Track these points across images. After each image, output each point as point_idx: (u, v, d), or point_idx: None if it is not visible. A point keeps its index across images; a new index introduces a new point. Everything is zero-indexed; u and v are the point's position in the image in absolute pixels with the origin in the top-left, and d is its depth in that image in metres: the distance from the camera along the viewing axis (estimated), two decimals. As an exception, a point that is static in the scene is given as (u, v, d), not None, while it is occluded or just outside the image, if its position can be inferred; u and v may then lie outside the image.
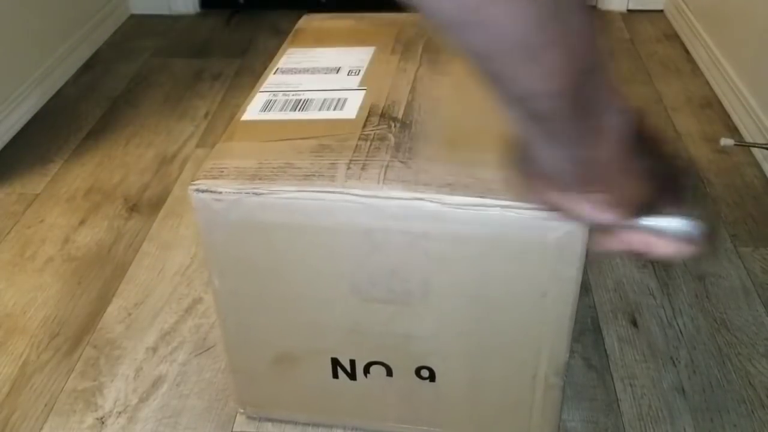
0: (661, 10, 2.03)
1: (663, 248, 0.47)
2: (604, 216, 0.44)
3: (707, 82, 1.66)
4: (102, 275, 1.17)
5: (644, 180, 0.44)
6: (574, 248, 0.67)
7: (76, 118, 1.62)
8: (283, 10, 2.09)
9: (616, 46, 1.85)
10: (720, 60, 1.60)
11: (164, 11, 2.12)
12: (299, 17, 1.04)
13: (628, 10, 2.04)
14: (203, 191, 0.71)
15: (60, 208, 1.32)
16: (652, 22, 1.97)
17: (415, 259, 0.71)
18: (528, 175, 0.45)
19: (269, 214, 0.71)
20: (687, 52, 1.80)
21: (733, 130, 1.48)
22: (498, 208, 0.67)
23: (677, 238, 0.46)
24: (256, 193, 0.70)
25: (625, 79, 1.69)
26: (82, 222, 1.29)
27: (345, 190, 0.69)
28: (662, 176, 0.45)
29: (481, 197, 0.67)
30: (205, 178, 0.72)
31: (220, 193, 0.71)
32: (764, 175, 1.35)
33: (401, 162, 0.71)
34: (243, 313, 0.81)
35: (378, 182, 0.69)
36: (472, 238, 0.69)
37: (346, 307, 0.77)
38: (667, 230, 0.46)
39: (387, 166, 0.71)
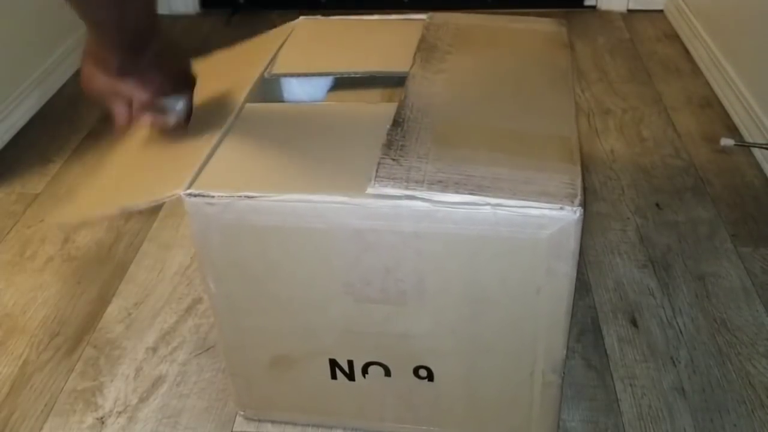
0: (661, 10, 2.03)
1: (161, 121, 0.75)
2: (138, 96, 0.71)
3: (707, 82, 1.65)
4: (102, 275, 1.17)
5: (159, 80, 0.72)
6: (568, 244, 0.67)
7: (76, 117, 1.62)
8: (283, 10, 2.09)
9: (616, 46, 1.85)
10: (720, 60, 1.60)
11: (164, 11, 2.12)
12: (299, 17, 1.04)
13: (628, 10, 2.04)
14: (195, 195, 0.71)
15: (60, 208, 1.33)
16: (652, 22, 1.97)
17: (407, 258, 0.71)
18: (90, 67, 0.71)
19: (261, 217, 0.71)
20: (687, 52, 1.80)
21: (733, 130, 1.48)
22: (489, 207, 0.66)
23: (167, 110, 0.75)
24: (248, 197, 0.70)
25: (625, 79, 1.69)
26: (81, 221, 1.29)
27: (336, 190, 0.69)
28: (169, 79, 0.73)
29: (472, 195, 0.67)
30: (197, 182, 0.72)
31: (213, 197, 0.71)
32: (764, 175, 1.35)
33: (393, 160, 0.71)
34: (239, 317, 0.81)
35: (369, 180, 0.69)
36: (464, 237, 0.69)
37: (341, 307, 0.77)
38: (164, 107, 0.74)
39: (378, 164, 0.71)
